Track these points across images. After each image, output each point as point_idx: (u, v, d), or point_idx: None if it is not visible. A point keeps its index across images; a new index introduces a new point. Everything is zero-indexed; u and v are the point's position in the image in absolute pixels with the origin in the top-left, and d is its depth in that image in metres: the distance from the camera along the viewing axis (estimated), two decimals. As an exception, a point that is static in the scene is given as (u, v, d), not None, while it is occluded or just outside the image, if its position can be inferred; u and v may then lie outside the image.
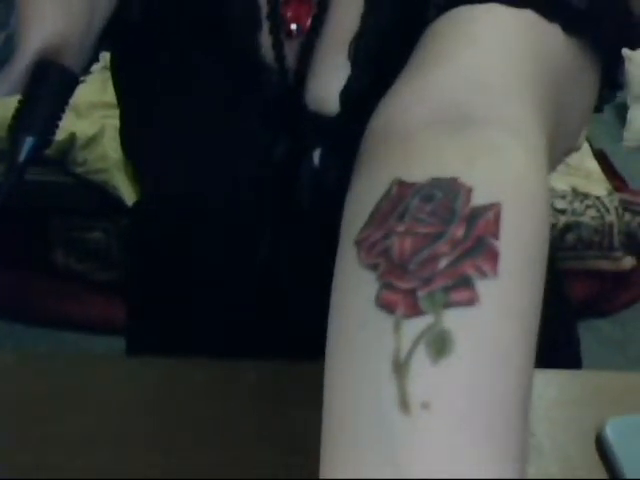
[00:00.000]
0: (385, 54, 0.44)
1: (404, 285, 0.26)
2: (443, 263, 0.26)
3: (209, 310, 0.61)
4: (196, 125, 0.50)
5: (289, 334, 0.56)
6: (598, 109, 0.45)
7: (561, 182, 1.89)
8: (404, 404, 0.24)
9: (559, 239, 1.80)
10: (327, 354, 0.27)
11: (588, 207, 1.84)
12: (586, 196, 1.86)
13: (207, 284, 0.59)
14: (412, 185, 0.28)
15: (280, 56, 0.47)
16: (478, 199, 0.27)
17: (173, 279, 0.63)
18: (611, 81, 0.43)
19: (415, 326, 0.25)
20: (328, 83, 0.46)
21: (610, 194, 1.90)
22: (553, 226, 1.79)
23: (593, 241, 1.84)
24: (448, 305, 0.25)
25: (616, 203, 1.86)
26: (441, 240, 0.27)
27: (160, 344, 0.66)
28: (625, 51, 0.43)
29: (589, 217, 1.83)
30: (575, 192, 1.88)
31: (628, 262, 1.89)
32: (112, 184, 1.65)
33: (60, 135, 1.59)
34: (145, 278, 0.68)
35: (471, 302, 0.25)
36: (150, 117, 0.52)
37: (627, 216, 1.86)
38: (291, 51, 0.47)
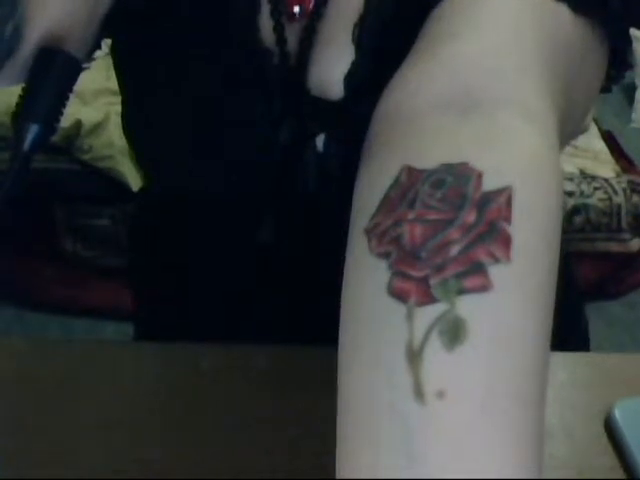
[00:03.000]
0: (390, 37, 0.44)
1: (416, 273, 0.26)
2: (455, 250, 0.26)
3: (212, 295, 0.61)
4: (197, 110, 0.50)
5: (290, 320, 0.56)
6: (606, 89, 0.44)
7: (569, 164, 1.88)
8: (418, 393, 0.23)
9: (567, 221, 1.79)
10: (340, 344, 0.27)
11: (596, 189, 1.83)
12: (594, 178, 1.85)
13: (210, 269, 0.60)
14: (422, 171, 0.28)
15: (281, 39, 0.46)
16: (489, 184, 0.27)
17: (176, 264, 0.63)
18: (619, 61, 0.42)
19: (428, 314, 0.25)
20: (331, 67, 0.46)
21: (618, 176, 1.89)
22: (561, 208, 1.77)
23: (601, 223, 1.83)
24: (461, 292, 0.25)
25: (624, 185, 1.85)
26: (452, 226, 0.26)
27: (167, 329, 0.67)
28: (633, 31, 0.42)
29: (597, 199, 1.82)
30: (583, 174, 1.87)
31: (636, 244, 1.88)
32: (118, 170, 1.65)
33: (65, 122, 1.60)
34: (149, 264, 0.68)
35: (484, 288, 0.25)
36: (151, 103, 0.52)
37: (635, 198, 1.85)
38: (293, 34, 0.47)
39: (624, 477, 0.46)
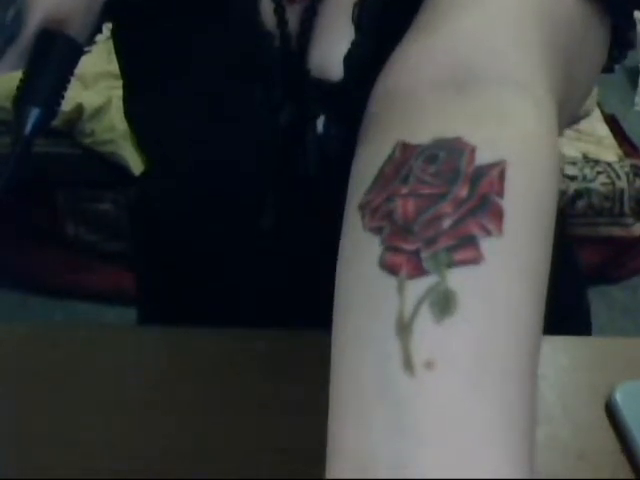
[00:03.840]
0: (389, 17, 0.43)
1: (408, 247, 0.26)
2: (447, 223, 0.26)
3: (213, 279, 0.61)
4: (197, 94, 0.49)
5: (291, 304, 0.56)
6: (609, 69, 0.44)
7: (571, 148, 1.87)
8: (408, 364, 0.23)
9: (570, 206, 1.79)
10: (334, 319, 0.27)
11: (599, 173, 1.82)
12: (597, 162, 1.85)
13: (211, 253, 0.60)
14: (416, 147, 0.28)
15: (282, 21, 0.46)
16: (482, 158, 0.27)
17: (177, 249, 0.63)
18: (621, 40, 0.42)
19: (419, 286, 0.24)
20: (332, 48, 0.46)
21: (621, 160, 1.89)
22: (563, 193, 1.78)
23: (604, 207, 1.83)
24: (452, 265, 0.25)
25: (627, 169, 1.84)
26: (445, 200, 0.26)
27: (169, 313, 0.67)
28: (637, 14, 0.42)
29: (600, 183, 1.81)
30: (586, 158, 1.86)
31: (638, 228, 1.88)
32: (120, 154, 1.65)
33: (67, 106, 1.59)
34: (151, 248, 0.68)
35: (475, 261, 0.25)
36: (151, 87, 0.51)
37: (638, 182, 1.84)
38: (293, 16, 0.47)
39: (624, 460, 0.46)
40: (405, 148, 0.28)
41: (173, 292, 0.66)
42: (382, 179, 0.28)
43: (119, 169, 1.66)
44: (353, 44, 0.45)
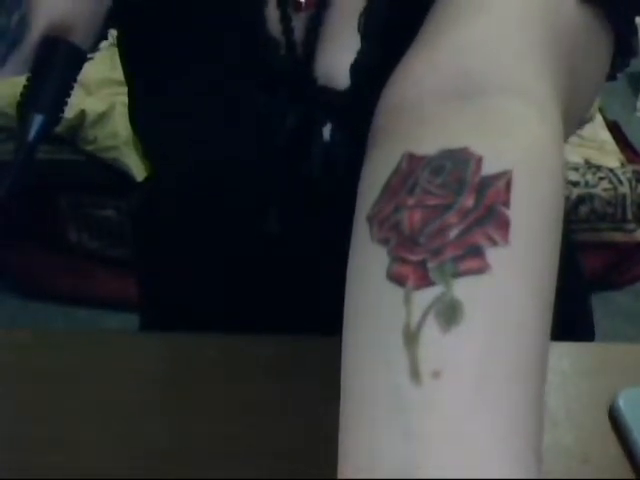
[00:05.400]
0: (396, 26, 0.44)
1: (414, 257, 0.26)
2: (453, 234, 0.26)
3: (217, 285, 0.61)
4: (203, 100, 0.49)
5: (295, 309, 0.56)
6: (612, 77, 0.44)
7: (574, 154, 1.87)
8: (415, 374, 0.24)
9: (572, 211, 1.79)
10: (344, 328, 0.28)
11: (601, 179, 1.82)
12: (599, 168, 1.85)
13: (214, 259, 0.60)
14: (422, 158, 0.28)
15: (288, 30, 0.46)
16: (489, 168, 0.27)
17: (179, 255, 0.63)
18: (624, 48, 0.42)
19: (425, 297, 0.25)
20: (338, 57, 0.46)
21: (623, 165, 1.88)
22: (566, 198, 1.77)
23: (606, 213, 1.83)
24: (458, 275, 0.25)
25: (629, 174, 1.84)
26: (451, 211, 0.26)
27: (172, 319, 0.67)
28: (639, 20, 0.42)
29: (602, 189, 1.81)
30: (588, 164, 1.86)
31: (641, 234, 1.88)
32: (122, 161, 1.65)
33: (70, 113, 1.60)
34: (154, 254, 0.68)
35: (481, 270, 0.25)
36: (157, 93, 0.51)
37: (640, 187, 1.84)
38: (299, 24, 0.47)
39: (628, 465, 0.46)
40: (411, 159, 0.28)
41: (175, 298, 0.66)
42: (389, 190, 0.28)
43: (122, 175, 1.66)
44: (359, 53, 0.45)
